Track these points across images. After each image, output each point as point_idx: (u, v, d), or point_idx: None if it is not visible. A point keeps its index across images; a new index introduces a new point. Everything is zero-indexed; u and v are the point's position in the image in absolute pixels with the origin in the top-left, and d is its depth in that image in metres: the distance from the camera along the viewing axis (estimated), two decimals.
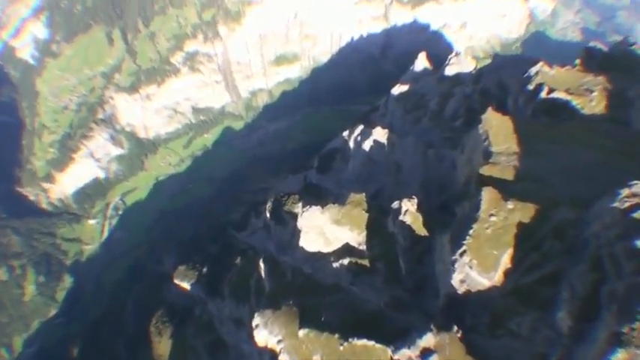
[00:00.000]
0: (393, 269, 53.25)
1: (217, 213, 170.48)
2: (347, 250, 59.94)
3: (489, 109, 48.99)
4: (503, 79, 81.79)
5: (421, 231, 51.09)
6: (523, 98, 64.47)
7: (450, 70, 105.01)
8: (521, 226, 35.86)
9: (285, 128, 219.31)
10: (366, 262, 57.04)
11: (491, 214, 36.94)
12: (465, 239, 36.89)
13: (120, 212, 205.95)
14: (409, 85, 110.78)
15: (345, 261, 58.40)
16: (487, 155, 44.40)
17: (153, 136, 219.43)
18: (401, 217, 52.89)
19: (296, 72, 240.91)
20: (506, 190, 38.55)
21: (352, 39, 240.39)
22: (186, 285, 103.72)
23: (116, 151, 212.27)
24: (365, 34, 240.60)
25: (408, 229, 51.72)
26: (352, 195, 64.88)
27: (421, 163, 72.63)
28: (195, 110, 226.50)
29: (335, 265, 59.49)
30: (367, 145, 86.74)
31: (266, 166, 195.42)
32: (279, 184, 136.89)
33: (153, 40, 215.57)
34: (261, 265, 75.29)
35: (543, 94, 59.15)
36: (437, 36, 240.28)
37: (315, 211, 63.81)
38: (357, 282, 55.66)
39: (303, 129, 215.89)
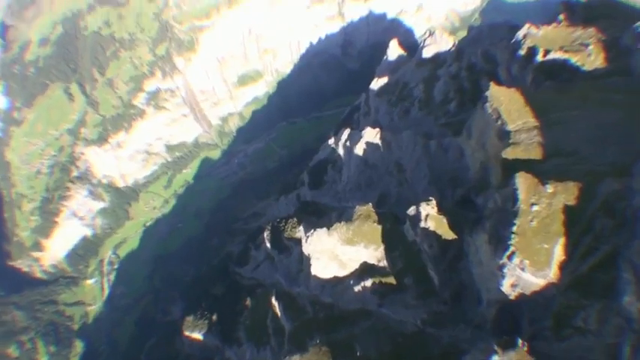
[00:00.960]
0: (423, 282, 49.68)
1: (213, 248, 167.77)
2: (366, 269, 56.00)
3: (492, 84, 45.80)
4: (488, 50, 78.41)
5: (448, 235, 46.78)
6: (517, 66, 61.16)
7: (427, 52, 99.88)
8: (567, 209, 32.96)
9: (263, 148, 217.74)
10: (391, 280, 53.08)
11: (533, 203, 33.60)
12: (510, 239, 33.11)
13: (115, 266, 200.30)
14: (387, 77, 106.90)
15: (368, 282, 54.55)
16: (503, 135, 41.61)
17: (131, 183, 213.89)
18: (422, 224, 48.75)
19: (262, 89, 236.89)
20: (539, 171, 35.67)
21: (311, 44, 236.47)
22: (198, 335, 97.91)
23: (98, 205, 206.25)
24: (323, 37, 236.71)
25: (432, 235, 47.66)
26: (358, 208, 60.76)
27: (424, 158, 68.30)
28: (169, 148, 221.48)
29: (357, 288, 55.53)
30: (359, 148, 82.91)
31: (252, 189, 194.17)
32: (272, 208, 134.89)
33: (112, 86, 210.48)
34: (275, 302, 70.83)
35: (540, 57, 55.51)
36: (395, 24, 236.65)
37: (321, 234, 59.73)
38: (386, 303, 52.01)
39: (282, 144, 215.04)
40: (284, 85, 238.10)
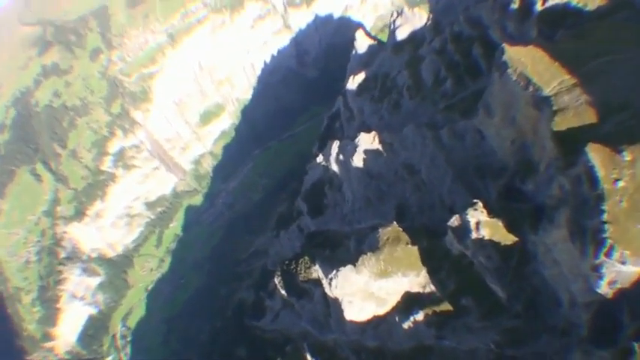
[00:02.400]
0: (485, 298, 44.49)
1: (222, 298, 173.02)
2: (411, 300, 50.96)
3: (506, 46, 41.97)
4: (470, 14, 71.02)
5: (508, 239, 42.24)
6: (513, 22, 56.03)
7: (401, 34, 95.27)
8: None
9: (243, 181, 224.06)
10: (445, 305, 47.78)
11: (616, 179, 29.90)
12: (604, 231, 29.44)
13: (129, 338, 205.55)
14: (364, 72, 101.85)
15: (418, 315, 49.78)
16: (541, 102, 37.23)
17: (122, 250, 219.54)
18: (474, 235, 43.63)
19: (227, 122, 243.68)
20: (602, 137, 31.95)
21: (265, 63, 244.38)
22: None
23: (95, 281, 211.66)
24: (275, 53, 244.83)
25: (489, 245, 42.83)
26: (381, 231, 55.32)
27: (438, 152, 61.37)
28: (149, 205, 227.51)
29: (406, 324, 51.03)
30: (358, 160, 77.41)
31: (244, 226, 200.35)
32: (274, 246, 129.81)
33: (76, 157, 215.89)
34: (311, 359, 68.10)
35: (539, 6, 50.87)
36: (344, 22, 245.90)
37: (346, 273, 55.05)
38: (446, 333, 47.36)
39: (261, 173, 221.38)
40: (248, 112, 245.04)
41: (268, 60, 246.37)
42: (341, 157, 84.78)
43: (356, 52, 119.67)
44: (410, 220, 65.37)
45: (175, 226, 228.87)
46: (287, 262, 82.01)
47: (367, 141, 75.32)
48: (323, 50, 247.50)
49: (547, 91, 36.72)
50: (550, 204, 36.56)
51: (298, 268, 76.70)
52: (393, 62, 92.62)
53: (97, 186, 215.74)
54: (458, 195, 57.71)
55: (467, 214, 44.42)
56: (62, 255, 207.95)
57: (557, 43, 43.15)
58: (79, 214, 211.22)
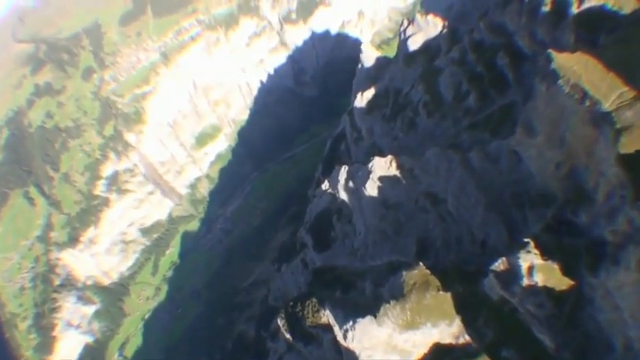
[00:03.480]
0: (529, 349, 40.68)
1: (221, 328, 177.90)
2: (442, 352, 45.43)
3: (553, 53, 37.83)
4: (492, 19, 67.10)
5: (563, 284, 38.21)
6: (544, 27, 52.12)
7: (413, 44, 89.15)
8: None
9: (241, 206, 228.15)
10: (483, 358, 42.68)
11: None
12: None
13: None
14: (373, 88, 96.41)
15: None
16: (600, 119, 33.44)
17: (117, 277, 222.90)
18: (525, 282, 39.12)
19: (223, 144, 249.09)
20: None
21: (262, 82, 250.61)
22: None
23: (90, 309, 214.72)
24: (272, 71, 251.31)
25: (542, 291, 38.77)
26: (406, 275, 49.05)
27: (468, 178, 55.65)
28: (145, 231, 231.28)
29: None
30: (371, 187, 70.82)
31: (243, 253, 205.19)
32: (276, 281, 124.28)
33: (68, 181, 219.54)
34: None
35: (574, 9, 47.28)
36: (341, 38, 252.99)
37: (366, 326, 48.49)
38: None
39: (260, 197, 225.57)
40: (245, 134, 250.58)
41: (265, 79, 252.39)
42: (351, 184, 78.70)
43: (362, 65, 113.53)
44: (433, 256, 60.68)
45: (172, 252, 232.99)
46: (292, 303, 71.42)
47: (382, 166, 68.07)
48: (321, 68, 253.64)
49: (606, 106, 32.71)
50: (614, 241, 33.00)
51: (305, 312, 66.78)
52: (406, 76, 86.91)
53: (90, 211, 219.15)
54: (491, 227, 52.60)
55: (518, 257, 38.99)
56: (57, 282, 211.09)
57: (603, 49, 38.60)
58: (72, 241, 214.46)
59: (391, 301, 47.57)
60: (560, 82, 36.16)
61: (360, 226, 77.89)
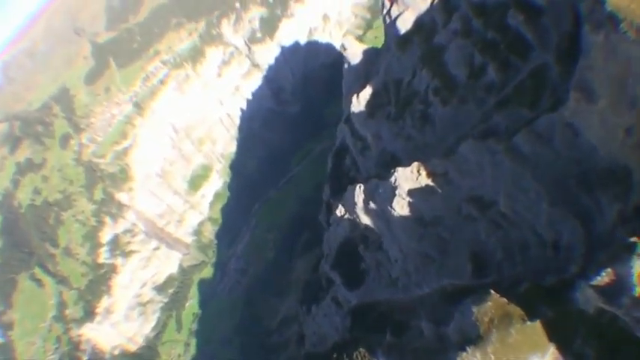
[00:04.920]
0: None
1: None
2: None
3: None
4: None
5: None
6: None
7: (403, 24, 77.02)
8: None
9: (250, 241, 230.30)
10: None
11: None
12: None
13: None
14: (369, 86, 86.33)
15: None
16: None
17: (143, 341, 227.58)
18: (637, 291, 31.62)
19: (217, 182, 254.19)
20: None
21: (242, 110, 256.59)
22: None
23: None
24: (249, 97, 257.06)
25: None
26: (477, 311, 43.23)
27: (519, 169, 47.55)
28: (159, 289, 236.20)
29: None
30: (399, 206, 63.91)
31: (264, 290, 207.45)
32: (309, 324, 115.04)
33: (70, 255, 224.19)
34: None
35: None
36: (312, 46, 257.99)
37: None
38: None
39: (268, 228, 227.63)
40: (238, 166, 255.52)
41: (244, 106, 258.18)
42: (372, 205, 72.05)
43: (349, 64, 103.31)
44: (495, 272, 54.56)
45: (192, 304, 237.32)
46: (335, 355, 75.24)
47: (408, 177, 60.83)
48: (298, 82, 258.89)
49: None
50: None
51: None
52: (403, 63, 77.73)
53: (99, 281, 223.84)
54: (562, 223, 45.68)
55: (630, 266, 32.45)
56: (84, 359, 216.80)
57: None
58: (88, 314, 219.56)
59: (468, 349, 41.74)
60: (622, 26, 30.73)
61: (395, 252, 71.29)
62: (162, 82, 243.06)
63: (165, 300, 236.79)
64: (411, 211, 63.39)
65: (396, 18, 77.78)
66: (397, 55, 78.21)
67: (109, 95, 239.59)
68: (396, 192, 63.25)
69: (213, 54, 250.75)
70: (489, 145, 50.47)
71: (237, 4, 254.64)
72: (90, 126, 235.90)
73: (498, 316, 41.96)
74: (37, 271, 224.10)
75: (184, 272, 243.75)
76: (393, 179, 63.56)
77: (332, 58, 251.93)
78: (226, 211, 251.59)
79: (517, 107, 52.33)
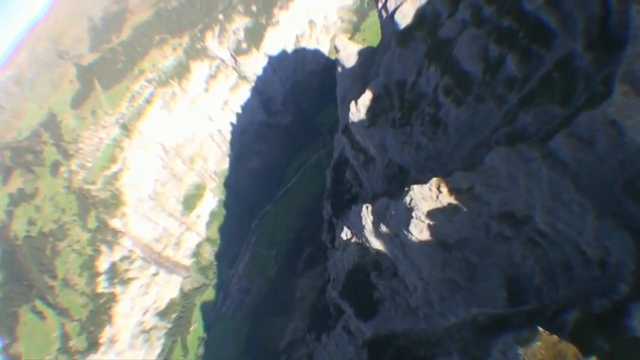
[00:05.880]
0: None
1: None
2: None
3: None
4: None
5: None
6: None
7: (402, 18, 70.63)
8: None
9: (251, 259, 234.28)
10: None
11: None
12: None
13: None
14: (368, 91, 78.61)
15: None
16: None
17: None
18: None
19: (212, 200, 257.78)
20: None
21: (232, 125, 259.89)
22: None
23: None
24: (240, 110, 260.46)
25: None
26: (523, 352, 39.76)
27: (559, 178, 40.96)
28: (162, 315, 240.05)
29: None
30: (418, 229, 56.63)
31: (269, 309, 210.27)
32: (321, 354, 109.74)
33: (69, 286, 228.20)
34: None
35: None
36: (300, 54, 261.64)
37: None
38: None
39: (267, 244, 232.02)
40: (232, 183, 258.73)
41: (235, 120, 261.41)
42: (383, 228, 65.75)
43: (343, 67, 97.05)
44: (534, 298, 47.62)
45: (196, 328, 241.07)
46: None
47: (426, 196, 53.94)
48: (288, 91, 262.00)
49: None
50: None
51: None
52: (406, 61, 71.09)
53: (100, 311, 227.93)
54: (609, 238, 40.41)
55: None
56: None
57: None
58: (93, 345, 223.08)
59: None
60: None
61: (414, 279, 64.38)
62: (148, 101, 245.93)
63: (169, 325, 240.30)
64: (431, 234, 56.06)
65: (394, 11, 72.57)
66: (398, 53, 71.98)
67: (95, 118, 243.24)
68: (413, 214, 55.78)
69: (199, 69, 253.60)
70: (522, 152, 43.10)
71: (221, 16, 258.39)
72: (79, 151, 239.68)
73: (550, 357, 38.44)
74: (38, 304, 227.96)
75: (186, 296, 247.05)
76: (407, 199, 56.23)
77: (321, 64, 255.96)
78: (224, 230, 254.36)
79: (546, 104, 45.43)
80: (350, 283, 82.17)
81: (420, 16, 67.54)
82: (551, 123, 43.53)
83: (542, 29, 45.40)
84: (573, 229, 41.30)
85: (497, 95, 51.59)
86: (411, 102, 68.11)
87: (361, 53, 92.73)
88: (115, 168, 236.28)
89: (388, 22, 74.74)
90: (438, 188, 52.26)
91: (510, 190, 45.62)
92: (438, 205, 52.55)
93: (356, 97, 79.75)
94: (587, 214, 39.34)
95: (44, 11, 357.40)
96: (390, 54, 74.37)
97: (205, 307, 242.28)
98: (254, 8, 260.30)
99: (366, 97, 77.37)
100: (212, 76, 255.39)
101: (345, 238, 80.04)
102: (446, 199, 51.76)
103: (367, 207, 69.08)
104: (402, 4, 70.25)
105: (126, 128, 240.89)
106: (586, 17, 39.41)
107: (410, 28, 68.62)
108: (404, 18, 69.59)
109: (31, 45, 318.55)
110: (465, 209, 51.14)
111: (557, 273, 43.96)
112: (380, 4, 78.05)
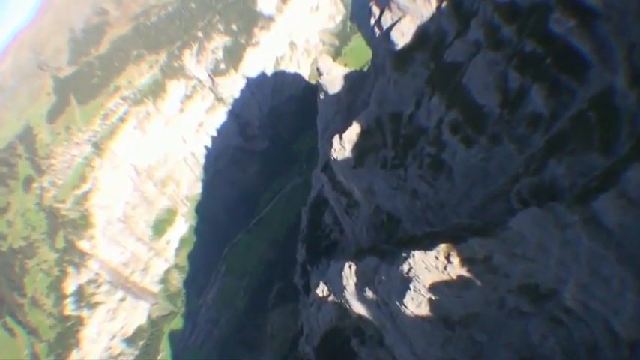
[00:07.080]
0: None
1: None
2: None
3: None
4: None
5: None
6: None
7: (400, 37, 62.42)
8: None
9: (221, 289, 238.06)
10: None
11: None
12: None
13: None
14: (356, 123, 70.37)
15: None
16: None
17: None
18: None
19: (183, 226, 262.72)
20: None
21: (207, 148, 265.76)
22: None
23: None
24: (214, 133, 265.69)
25: None
26: None
27: (601, 249, 31.58)
28: (129, 341, 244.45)
29: None
30: (415, 303, 47.60)
31: (239, 341, 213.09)
32: None
33: (37, 305, 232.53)
34: None
35: None
36: (279, 77, 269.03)
37: None
38: None
39: (238, 274, 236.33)
40: (204, 209, 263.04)
41: (209, 143, 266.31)
42: (368, 292, 58.04)
43: (326, 93, 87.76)
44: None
45: (163, 357, 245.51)
46: None
47: (431, 265, 44.93)
48: (265, 116, 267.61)
49: None
50: None
51: None
52: (403, 89, 63.72)
53: (67, 334, 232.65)
54: None
55: None
56: None
57: None
58: None
59: None
60: None
61: (405, 353, 55.08)
62: (122, 119, 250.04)
63: (137, 352, 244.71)
64: (431, 310, 47.35)
65: (390, 28, 63.98)
66: (394, 79, 64.69)
67: (69, 134, 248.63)
68: (411, 285, 47.04)
69: (175, 88, 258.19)
70: (559, 216, 34.74)
71: (200, 34, 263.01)
72: (51, 168, 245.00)
73: None
74: (9, 320, 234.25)
75: (154, 323, 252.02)
76: (405, 267, 47.66)
77: (300, 89, 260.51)
78: (193, 257, 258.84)
79: (582, 152, 38.49)
80: (327, 344, 73.73)
81: (422, 34, 60.98)
82: (587, 176, 37.09)
83: (573, 57, 38.86)
84: (608, 308, 34.11)
85: (519, 136, 44.84)
86: (408, 139, 61.91)
87: (348, 78, 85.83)
88: (85, 188, 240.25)
89: (382, 40, 67.04)
90: (447, 257, 43.57)
91: (538, 261, 37.30)
92: (445, 277, 44.27)
93: (340, 131, 72.44)
94: (628, 291, 32.17)
95: (30, 18, 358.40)
96: (384, 80, 68.00)
97: (173, 336, 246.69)
98: (234, 27, 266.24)
99: (353, 132, 70.11)
100: (188, 97, 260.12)
101: (320, 294, 72.97)
102: (456, 270, 43.36)
103: (350, 265, 61.61)
104: (399, 19, 62.93)
105: (98, 147, 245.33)
106: (626, 46, 34.28)
107: (409, 49, 62.00)
108: (402, 37, 62.54)
109: (15, 52, 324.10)
110: (478, 283, 42.83)
111: (581, 354, 38.10)
112: (372, 20, 70.00)
